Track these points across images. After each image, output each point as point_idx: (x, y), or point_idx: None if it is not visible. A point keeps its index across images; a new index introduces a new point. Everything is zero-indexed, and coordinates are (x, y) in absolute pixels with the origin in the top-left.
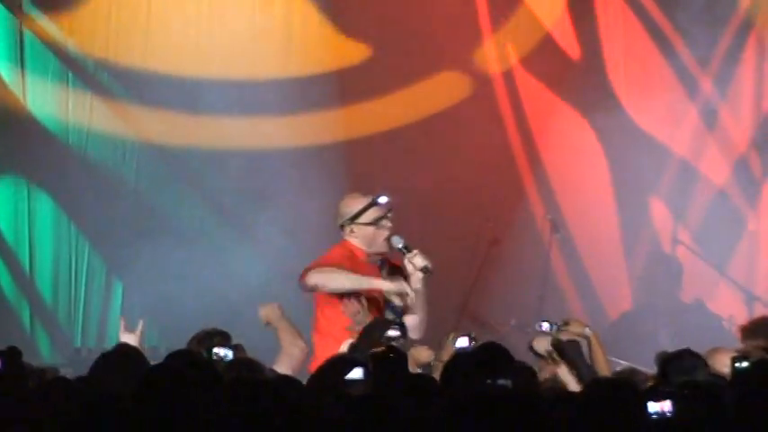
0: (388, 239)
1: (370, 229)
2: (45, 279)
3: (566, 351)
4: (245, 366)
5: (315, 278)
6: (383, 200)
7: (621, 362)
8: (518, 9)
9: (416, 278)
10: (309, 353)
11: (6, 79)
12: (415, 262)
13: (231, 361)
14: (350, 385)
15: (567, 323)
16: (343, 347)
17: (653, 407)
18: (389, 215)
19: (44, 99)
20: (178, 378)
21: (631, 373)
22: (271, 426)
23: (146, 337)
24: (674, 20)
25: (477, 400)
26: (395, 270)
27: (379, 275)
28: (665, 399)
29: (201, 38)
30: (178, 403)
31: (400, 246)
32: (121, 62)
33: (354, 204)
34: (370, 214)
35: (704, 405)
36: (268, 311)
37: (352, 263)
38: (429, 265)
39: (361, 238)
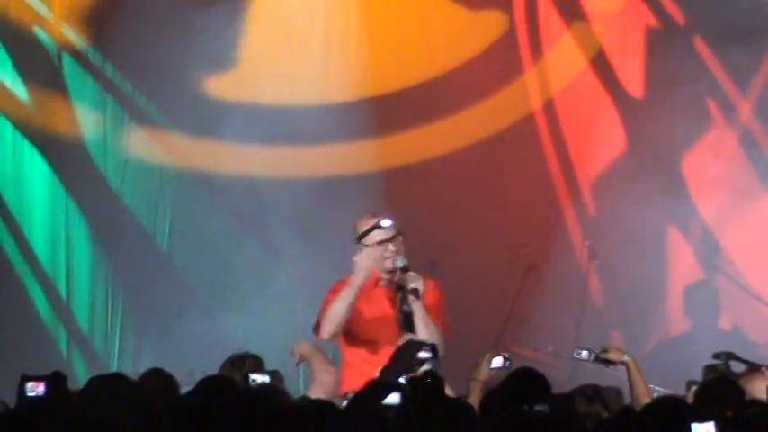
0: (392, 260)
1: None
2: (82, 305)
3: (606, 398)
4: (273, 394)
5: (323, 330)
6: (386, 223)
7: (659, 388)
8: (559, 40)
9: (410, 299)
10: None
11: (46, 103)
12: (407, 284)
13: (259, 387)
14: (387, 410)
15: (605, 350)
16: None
17: (697, 428)
18: (396, 239)
19: (82, 124)
20: (212, 404)
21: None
22: None
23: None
24: (710, 41)
25: (514, 427)
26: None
27: (387, 298)
28: (709, 420)
29: (238, 61)
30: (213, 429)
31: (401, 266)
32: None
33: (362, 225)
34: (374, 236)
35: (747, 429)
36: (301, 348)
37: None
38: (418, 288)
39: None
